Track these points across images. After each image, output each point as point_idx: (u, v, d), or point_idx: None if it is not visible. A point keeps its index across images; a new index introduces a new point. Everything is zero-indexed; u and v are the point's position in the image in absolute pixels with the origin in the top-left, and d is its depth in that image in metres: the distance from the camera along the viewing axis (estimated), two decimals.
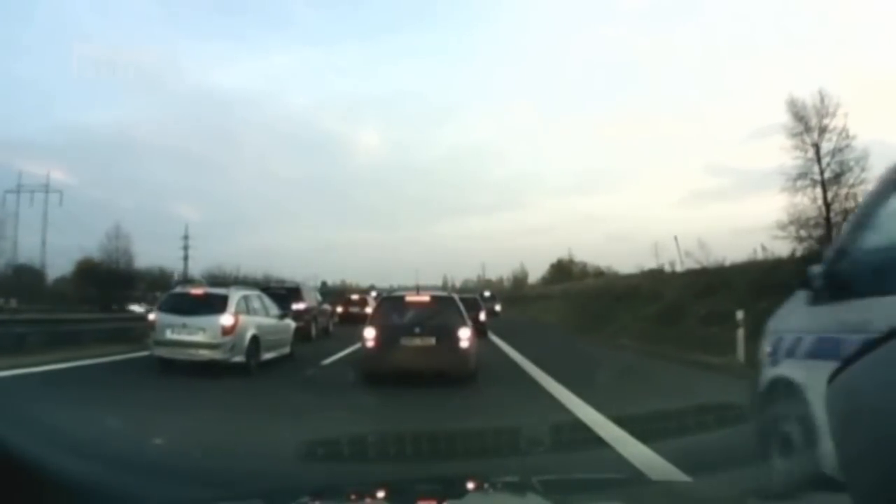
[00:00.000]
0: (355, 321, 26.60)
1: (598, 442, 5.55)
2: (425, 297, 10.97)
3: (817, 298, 3.73)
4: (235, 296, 12.17)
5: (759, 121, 73.27)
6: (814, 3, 59.25)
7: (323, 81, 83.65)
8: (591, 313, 21.74)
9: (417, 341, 9.93)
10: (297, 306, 20.75)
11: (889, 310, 2.98)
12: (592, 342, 16.91)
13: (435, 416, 7.42)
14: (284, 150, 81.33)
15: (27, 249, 33.32)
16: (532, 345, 15.85)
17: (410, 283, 34.68)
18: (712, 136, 78.43)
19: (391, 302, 11.28)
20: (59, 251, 36.69)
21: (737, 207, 58.33)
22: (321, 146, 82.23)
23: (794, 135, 21.57)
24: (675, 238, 26.91)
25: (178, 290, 12.95)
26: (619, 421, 5.81)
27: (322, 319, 22.68)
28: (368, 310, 29.49)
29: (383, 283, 47.03)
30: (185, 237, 45.39)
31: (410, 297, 11.00)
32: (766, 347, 4.20)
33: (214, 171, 74.86)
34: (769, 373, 4.07)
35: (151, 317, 12.24)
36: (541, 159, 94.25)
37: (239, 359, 11.60)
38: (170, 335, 11.71)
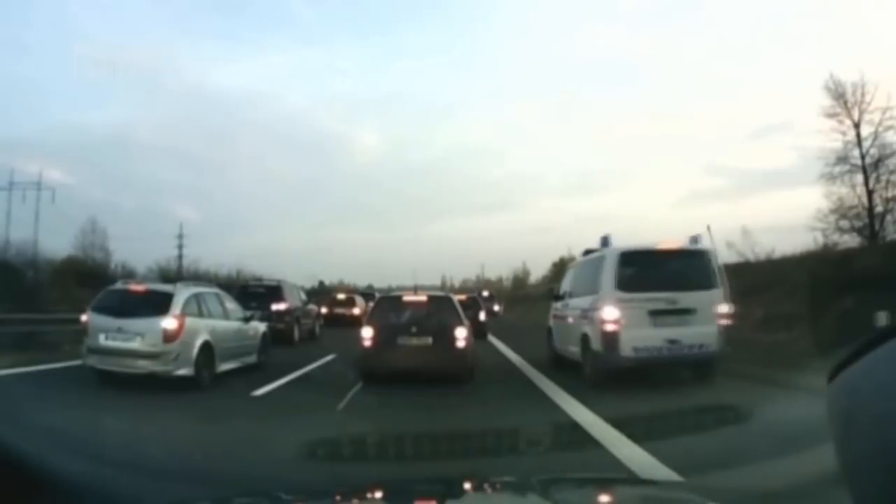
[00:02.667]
0: (341, 323, 24.32)
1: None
2: (422, 297, 10.90)
3: (554, 300, 12.53)
4: (183, 294, 9.92)
5: (759, 121, 73.66)
6: (815, 2, 57.65)
7: (321, 81, 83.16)
8: None
9: (414, 341, 9.90)
10: (277, 307, 18.66)
11: (565, 305, 11.74)
12: None
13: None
14: (283, 150, 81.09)
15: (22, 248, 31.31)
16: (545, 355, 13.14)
17: (409, 283, 33.47)
18: (712, 136, 77.50)
19: (389, 302, 11.15)
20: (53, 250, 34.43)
21: (736, 207, 57.64)
22: (320, 146, 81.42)
23: (832, 115, 19.47)
24: (708, 227, 24.64)
25: (119, 285, 10.74)
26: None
27: (306, 321, 20.35)
28: (356, 311, 27.59)
29: (382, 284, 46.28)
30: (180, 236, 43.44)
31: (408, 297, 10.97)
32: (557, 317, 12.09)
33: (213, 172, 73.87)
34: (548, 324, 12.61)
35: (84, 318, 10.05)
36: (540, 159, 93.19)
37: (185, 371, 9.36)
38: (103, 341, 9.51)
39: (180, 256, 42.58)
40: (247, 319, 11.74)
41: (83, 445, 5.00)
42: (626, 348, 9.02)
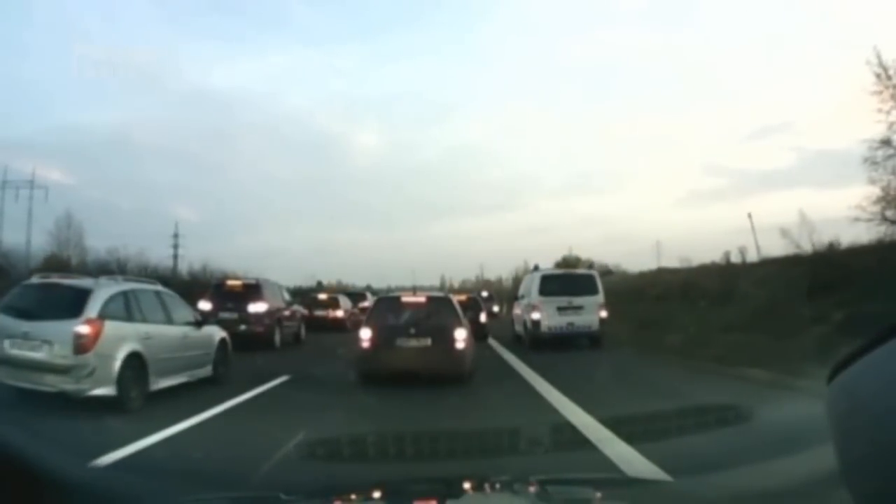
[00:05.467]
0: (323, 327, 21.99)
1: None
2: (421, 298, 10.72)
3: (515, 300, 19.08)
4: (103, 291, 7.81)
5: (758, 121, 73.16)
6: (815, 2, 56.18)
7: (321, 82, 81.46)
8: (637, 319, 17.06)
9: (413, 342, 9.73)
10: (256, 308, 16.63)
11: (518, 303, 18.04)
12: (678, 370, 10.76)
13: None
14: (282, 150, 79.59)
15: (14, 247, 30.07)
16: (572, 374, 10.58)
17: (408, 283, 32.32)
18: (711, 136, 76.10)
19: (387, 302, 10.93)
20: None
21: (735, 208, 56.39)
22: (319, 146, 79.88)
23: (875, 93, 17.38)
24: (750, 216, 22.78)
25: (34, 280, 8.70)
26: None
27: (290, 324, 18.26)
28: (340, 313, 24.77)
29: (381, 284, 44.87)
30: (175, 235, 42.23)
31: (406, 298, 10.78)
32: (516, 309, 18.50)
33: (212, 172, 71.96)
34: (511, 315, 19.97)
35: None
36: (540, 159, 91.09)
37: (104, 390, 7.27)
38: (8, 349, 7.48)
39: (175, 256, 41.27)
40: (199, 324, 9.67)
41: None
42: (544, 328, 15.52)
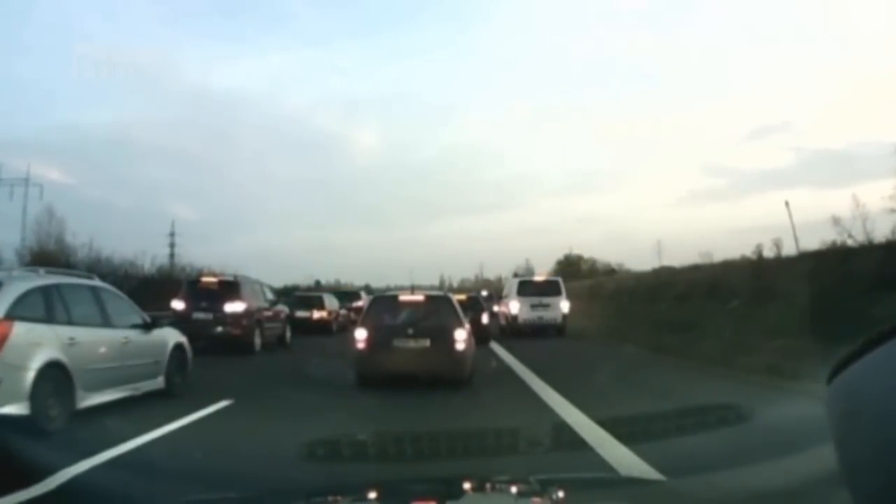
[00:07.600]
0: (305, 329, 20.31)
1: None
2: (419, 297, 10.40)
3: (500, 299, 24.73)
4: (15, 286, 6.31)
5: (758, 121, 74.80)
6: (815, 1, 55.43)
7: (320, 81, 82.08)
8: (660, 322, 15.52)
9: (411, 343, 9.40)
10: (233, 307, 15.16)
11: (503, 301, 22.97)
12: (727, 383, 8.88)
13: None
14: (282, 150, 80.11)
15: (9, 247, 28.97)
16: (617, 395, 8.20)
17: (407, 283, 31.69)
18: (711, 136, 77.20)
19: (383, 302, 10.63)
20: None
21: (734, 208, 56.19)
22: (319, 146, 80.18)
23: None
24: (787, 203, 21.42)
25: None
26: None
27: (273, 326, 16.79)
28: (324, 314, 23.07)
29: (380, 283, 44.34)
30: (172, 234, 41.32)
31: (404, 297, 10.46)
32: (501, 307, 23.01)
33: (211, 171, 72.79)
34: (500, 312, 23.07)
35: None
36: (539, 159, 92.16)
37: (14, 408, 5.77)
38: None
39: (172, 255, 39.94)
40: (147, 326, 8.20)
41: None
42: (521, 320, 20.00)
